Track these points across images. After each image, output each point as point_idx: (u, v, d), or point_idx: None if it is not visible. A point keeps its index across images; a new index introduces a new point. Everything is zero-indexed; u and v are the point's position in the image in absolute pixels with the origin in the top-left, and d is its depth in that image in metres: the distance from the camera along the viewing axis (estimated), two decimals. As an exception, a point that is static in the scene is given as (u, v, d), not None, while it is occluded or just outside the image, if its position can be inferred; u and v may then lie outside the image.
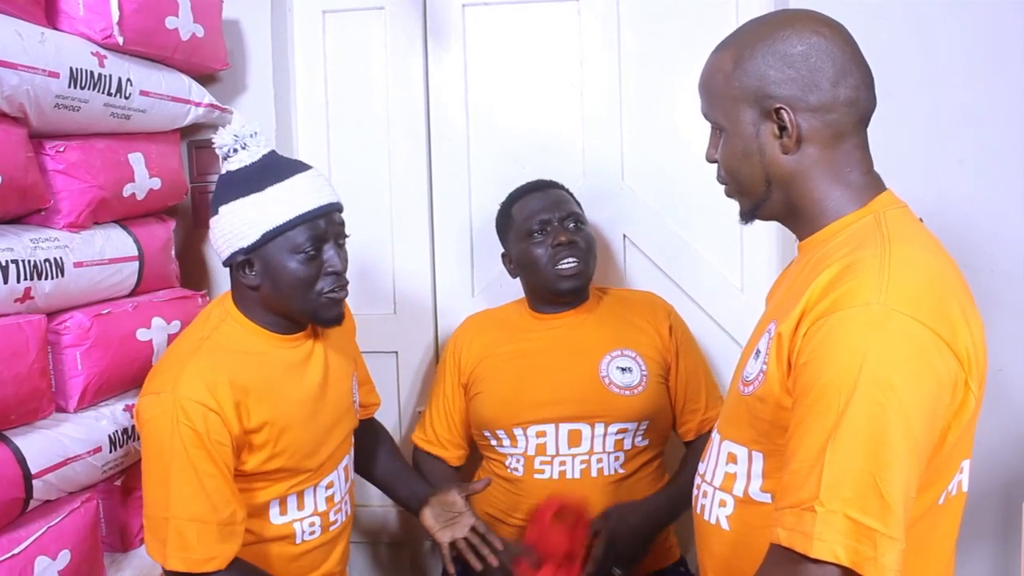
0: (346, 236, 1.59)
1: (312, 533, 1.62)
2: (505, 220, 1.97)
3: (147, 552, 1.47)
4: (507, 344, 1.95)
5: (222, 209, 1.50)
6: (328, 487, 1.65)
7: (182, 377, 1.44)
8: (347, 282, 1.57)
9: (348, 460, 1.74)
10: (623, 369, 1.87)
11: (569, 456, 1.83)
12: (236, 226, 1.49)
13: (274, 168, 1.52)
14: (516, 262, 1.94)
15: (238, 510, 1.46)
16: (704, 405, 1.94)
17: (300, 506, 1.61)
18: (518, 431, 1.86)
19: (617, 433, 1.84)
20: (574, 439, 1.83)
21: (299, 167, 1.55)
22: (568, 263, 1.85)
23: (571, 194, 1.98)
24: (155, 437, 1.43)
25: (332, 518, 1.66)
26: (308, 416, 1.58)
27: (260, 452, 1.51)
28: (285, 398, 1.55)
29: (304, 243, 1.49)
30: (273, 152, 1.55)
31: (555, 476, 1.83)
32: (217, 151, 1.54)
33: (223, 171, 1.54)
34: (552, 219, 1.88)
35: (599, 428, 1.83)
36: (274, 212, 1.48)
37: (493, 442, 1.91)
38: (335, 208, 1.56)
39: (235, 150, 1.51)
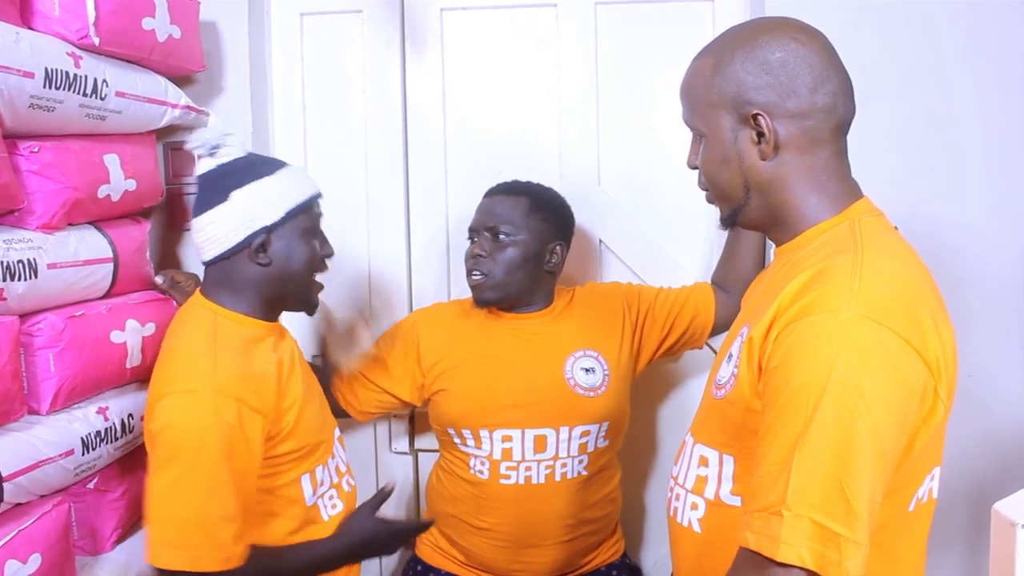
0: None
1: (335, 507, 1.65)
2: None
3: (154, 561, 1.38)
4: (470, 342, 1.93)
5: (234, 194, 1.51)
6: (332, 456, 1.68)
7: (217, 373, 1.43)
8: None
9: (337, 431, 1.76)
10: (587, 370, 1.87)
11: (535, 461, 1.84)
12: (257, 206, 1.52)
13: (268, 160, 1.60)
14: None
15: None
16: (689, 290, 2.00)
17: (316, 484, 1.62)
18: (484, 432, 1.85)
19: (581, 436, 1.85)
20: (540, 445, 1.84)
21: (285, 162, 1.62)
22: (473, 276, 1.88)
23: (540, 199, 1.91)
24: (184, 437, 1.39)
25: (347, 488, 1.71)
26: (306, 392, 1.61)
27: (290, 438, 1.53)
28: (289, 377, 1.58)
29: (313, 226, 1.59)
30: (253, 153, 1.61)
31: (520, 481, 1.84)
32: (194, 152, 1.56)
33: (203, 170, 1.55)
34: (478, 228, 1.90)
35: (564, 432, 1.84)
36: (294, 191, 1.56)
37: (457, 440, 1.90)
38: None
39: (215, 147, 1.54)
